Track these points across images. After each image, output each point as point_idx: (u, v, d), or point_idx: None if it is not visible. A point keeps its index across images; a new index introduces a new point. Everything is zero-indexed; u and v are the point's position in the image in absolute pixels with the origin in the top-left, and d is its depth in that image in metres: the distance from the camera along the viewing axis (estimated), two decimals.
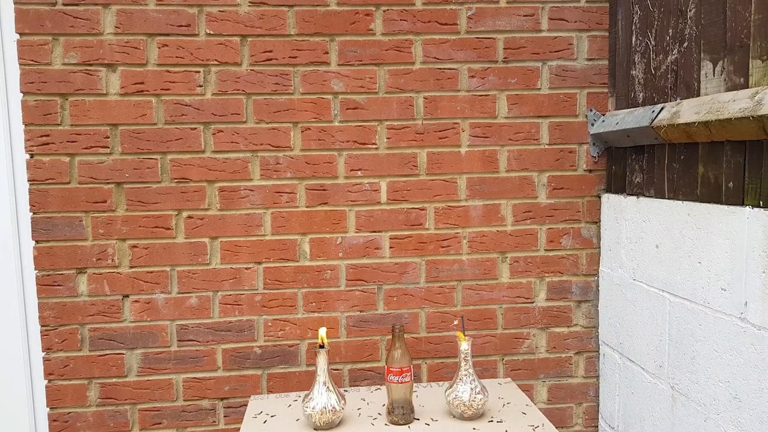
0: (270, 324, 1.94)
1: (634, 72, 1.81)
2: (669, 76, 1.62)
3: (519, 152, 1.99)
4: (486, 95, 1.96)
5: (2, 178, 1.86)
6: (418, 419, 1.61)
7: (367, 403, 1.73)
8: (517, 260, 2.01)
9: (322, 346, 1.56)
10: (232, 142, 1.89)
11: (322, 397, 1.53)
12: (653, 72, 1.70)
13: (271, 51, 1.87)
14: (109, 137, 1.84)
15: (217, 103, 1.87)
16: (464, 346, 1.58)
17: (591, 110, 1.99)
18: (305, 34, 1.88)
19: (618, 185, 1.94)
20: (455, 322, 1.97)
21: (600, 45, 1.98)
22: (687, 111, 1.46)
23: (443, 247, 1.98)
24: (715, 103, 1.36)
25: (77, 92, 1.82)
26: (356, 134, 1.93)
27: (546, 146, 2.00)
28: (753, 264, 1.27)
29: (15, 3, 1.77)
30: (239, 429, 1.62)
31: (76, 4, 1.80)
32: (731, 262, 1.34)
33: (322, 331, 1.58)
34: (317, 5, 1.87)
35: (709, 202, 1.44)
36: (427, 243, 1.97)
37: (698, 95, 1.49)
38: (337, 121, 1.92)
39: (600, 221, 2.03)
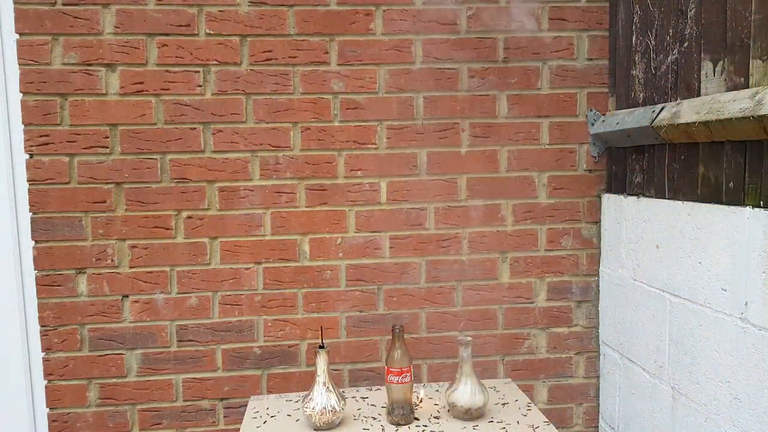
0: (270, 324, 1.94)
1: (634, 72, 1.81)
2: (669, 76, 1.62)
3: (519, 152, 1.98)
4: (486, 95, 1.96)
5: (2, 178, 1.85)
6: (418, 419, 1.61)
7: (367, 404, 1.73)
8: (517, 260, 2.01)
9: (322, 347, 1.56)
10: (231, 142, 1.88)
11: (322, 397, 1.53)
12: (653, 72, 1.70)
13: (270, 51, 1.87)
14: (108, 137, 1.84)
15: (216, 103, 1.87)
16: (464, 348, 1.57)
17: (591, 110, 1.99)
18: (305, 34, 1.88)
19: (618, 185, 1.93)
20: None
21: (600, 45, 1.97)
22: (687, 111, 1.46)
23: (443, 247, 1.98)
24: (715, 103, 1.36)
25: (77, 92, 1.82)
26: (356, 134, 1.93)
27: (546, 146, 1.99)
28: (753, 264, 1.27)
29: (15, 3, 1.77)
30: (239, 429, 1.62)
31: (76, 4, 1.79)
32: (732, 263, 1.34)
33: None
34: (317, 5, 1.87)
35: (709, 202, 1.44)
36: (427, 243, 1.97)
37: (698, 95, 1.49)
38: (337, 121, 1.92)
39: (600, 221, 2.02)
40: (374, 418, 1.62)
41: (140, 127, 1.85)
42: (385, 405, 1.68)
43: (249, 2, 1.85)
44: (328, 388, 1.54)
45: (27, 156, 1.82)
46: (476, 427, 1.55)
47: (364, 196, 1.94)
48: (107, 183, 1.85)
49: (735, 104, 1.28)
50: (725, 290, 1.36)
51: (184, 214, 1.89)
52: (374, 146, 1.94)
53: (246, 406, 1.80)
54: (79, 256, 1.85)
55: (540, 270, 2.02)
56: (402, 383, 1.56)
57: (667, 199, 1.63)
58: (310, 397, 1.54)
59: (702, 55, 1.47)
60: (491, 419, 1.60)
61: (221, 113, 1.87)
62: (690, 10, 1.52)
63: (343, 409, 1.56)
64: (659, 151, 1.67)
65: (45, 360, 1.87)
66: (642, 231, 1.74)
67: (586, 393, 2.07)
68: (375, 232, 1.96)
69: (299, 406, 1.72)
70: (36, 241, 1.84)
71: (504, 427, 1.55)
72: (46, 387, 1.88)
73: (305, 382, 1.95)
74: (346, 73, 1.91)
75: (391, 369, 1.56)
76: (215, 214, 1.90)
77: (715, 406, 1.41)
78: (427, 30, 1.92)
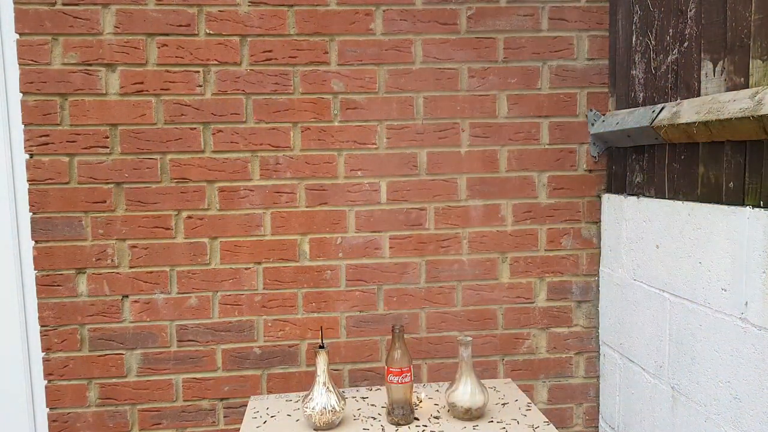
0: (270, 324, 1.94)
1: (634, 72, 1.81)
2: (669, 76, 1.62)
3: (519, 152, 1.98)
4: (486, 95, 1.96)
5: (2, 178, 1.85)
6: (418, 419, 1.61)
7: (367, 404, 1.73)
8: (517, 260, 2.01)
9: (322, 347, 1.56)
10: (231, 142, 1.88)
11: (322, 397, 1.53)
12: (653, 72, 1.70)
13: (270, 51, 1.87)
14: (108, 137, 1.84)
15: (216, 103, 1.87)
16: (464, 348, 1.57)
17: (591, 110, 1.99)
18: (305, 34, 1.88)
19: (618, 185, 1.93)
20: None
21: (600, 45, 1.98)
22: (687, 111, 1.46)
23: (443, 247, 1.98)
24: (715, 103, 1.36)
25: (77, 92, 1.82)
26: (356, 134, 1.93)
27: (546, 146, 1.99)
28: (753, 264, 1.27)
29: (15, 3, 1.77)
30: (239, 429, 1.62)
31: (76, 4, 1.79)
32: (732, 262, 1.34)
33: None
34: (317, 5, 1.87)
35: (709, 202, 1.44)
36: (427, 243, 1.97)
37: (698, 95, 1.49)
38: (337, 121, 1.92)
39: (600, 221, 2.02)
40: (374, 418, 1.62)
41: (140, 127, 1.85)
42: (385, 405, 1.68)
43: (249, 2, 1.85)
44: (328, 388, 1.54)
45: (27, 156, 1.82)
46: (476, 427, 1.55)
47: (363, 196, 1.94)
48: (107, 183, 1.85)
49: (735, 104, 1.28)
50: (725, 290, 1.36)
51: (184, 214, 1.89)
52: (374, 146, 1.94)
53: (246, 406, 1.80)
54: (79, 256, 1.86)
55: (540, 270, 2.02)
56: (402, 383, 1.56)
57: (667, 199, 1.63)
58: (310, 397, 1.54)
59: (702, 55, 1.47)
60: (491, 419, 1.60)
61: (221, 113, 1.87)
62: (690, 10, 1.52)
63: (343, 409, 1.56)
64: (659, 151, 1.67)
65: (45, 360, 1.87)
66: (642, 231, 1.74)
67: (586, 393, 2.07)
68: (375, 232, 1.96)
69: (299, 406, 1.72)
70: (36, 241, 1.84)
71: (504, 427, 1.55)
72: (46, 387, 1.88)
73: (305, 382, 1.95)
74: (346, 73, 1.91)
75: (391, 369, 1.56)
76: (215, 214, 1.90)
77: (715, 406, 1.41)
78: (427, 30, 1.92)
